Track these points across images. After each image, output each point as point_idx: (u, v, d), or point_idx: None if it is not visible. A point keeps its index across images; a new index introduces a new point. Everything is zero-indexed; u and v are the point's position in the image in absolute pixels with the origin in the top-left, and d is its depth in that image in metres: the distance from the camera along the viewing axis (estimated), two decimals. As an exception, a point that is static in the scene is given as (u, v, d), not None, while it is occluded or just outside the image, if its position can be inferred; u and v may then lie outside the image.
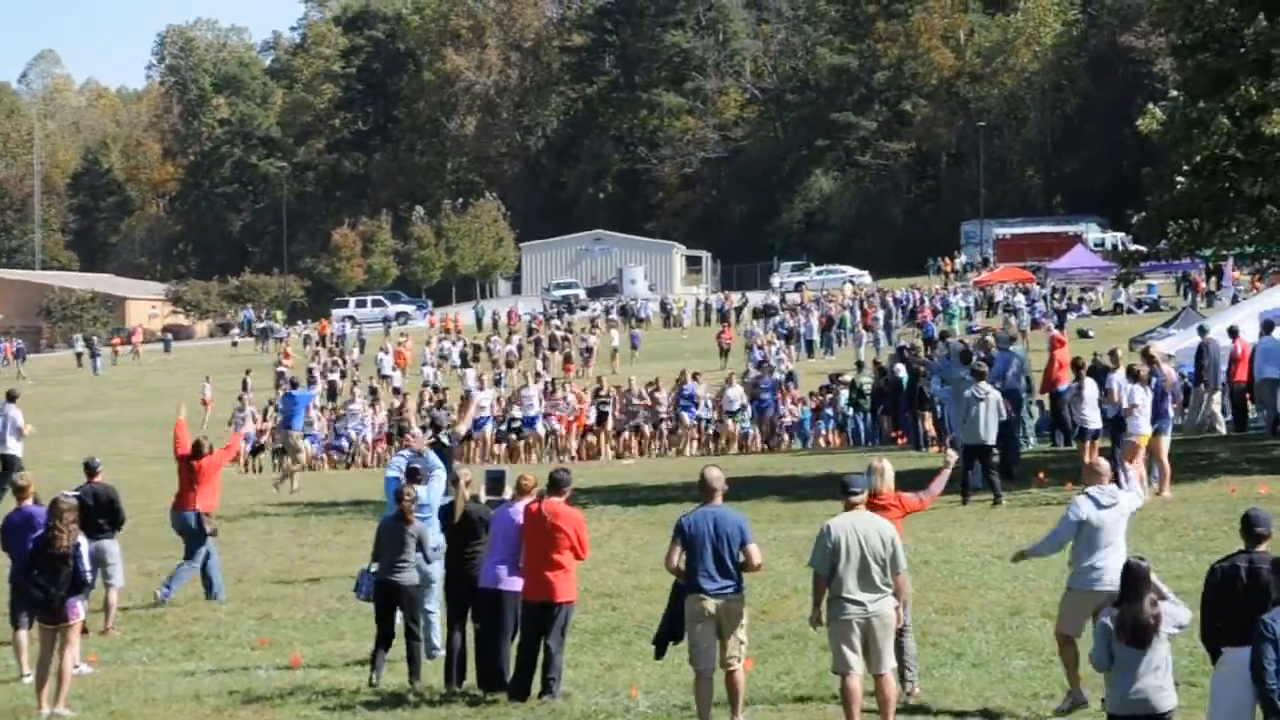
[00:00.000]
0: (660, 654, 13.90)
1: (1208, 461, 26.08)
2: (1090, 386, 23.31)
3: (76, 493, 17.16)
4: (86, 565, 14.55)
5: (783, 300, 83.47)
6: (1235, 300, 54.10)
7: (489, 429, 39.60)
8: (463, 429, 23.09)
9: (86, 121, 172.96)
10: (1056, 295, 71.63)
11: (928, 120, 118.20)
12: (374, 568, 15.28)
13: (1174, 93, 28.75)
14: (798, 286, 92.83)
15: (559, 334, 69.78)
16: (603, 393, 41.00)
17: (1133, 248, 34.14)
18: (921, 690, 13.36)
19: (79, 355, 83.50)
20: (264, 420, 45.64)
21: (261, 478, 38.28)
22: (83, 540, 14.53)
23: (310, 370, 65.00)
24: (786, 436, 40.26)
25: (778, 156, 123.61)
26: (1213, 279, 66.85)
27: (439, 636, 15.63)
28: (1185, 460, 24.86)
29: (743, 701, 12.64)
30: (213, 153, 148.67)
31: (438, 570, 15.44)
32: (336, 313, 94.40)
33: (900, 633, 13.25)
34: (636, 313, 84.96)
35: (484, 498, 15.23)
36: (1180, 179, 27.43)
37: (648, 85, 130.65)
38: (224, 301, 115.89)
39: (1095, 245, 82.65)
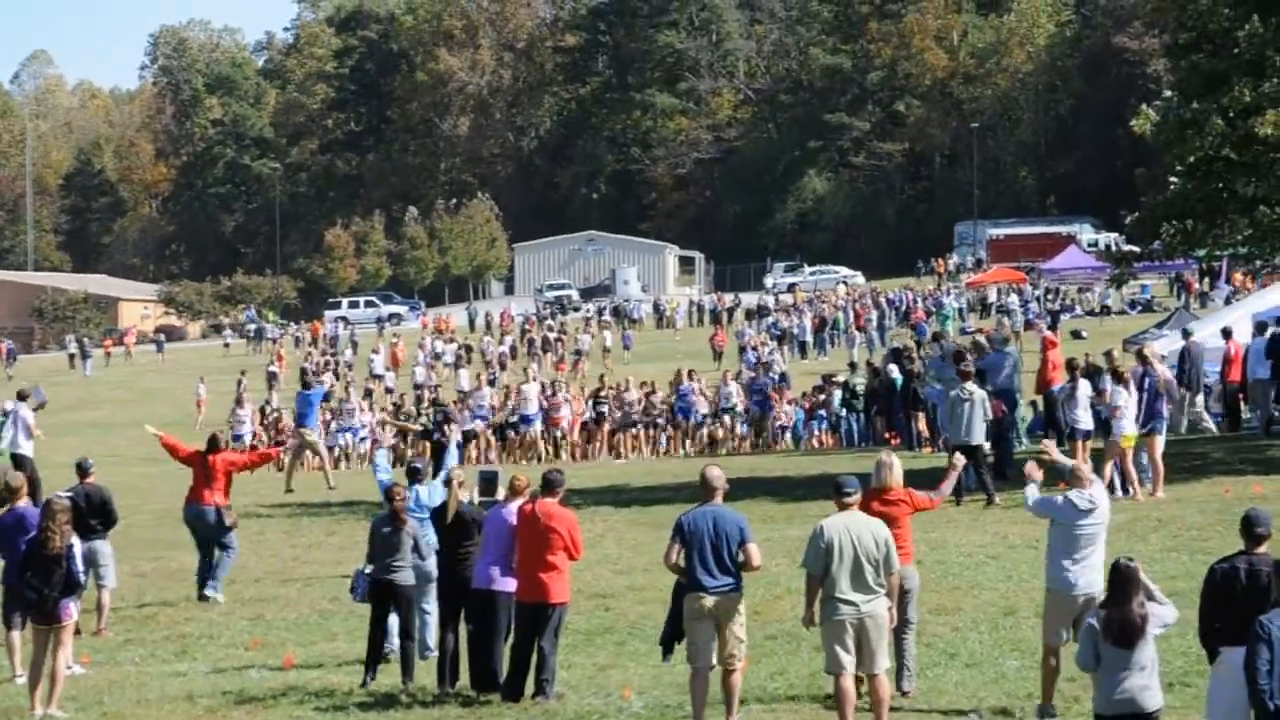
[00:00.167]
0: (667, 655, 13.92)
1: (1201, 462, 26.09)
2: (1083, 387, 23.34)
3: (69, 494, 17.13)
4: (80, 566, 14.53)
5: (776, 301, 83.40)
6: (1229, 301, 54.15)
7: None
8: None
9: (79, 122, 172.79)
10: (1050, 296, 71.63)
11: (921, 121, 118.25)
12: (369, 569, 15.26)
13: (1167, 93, 28.75)
14: (791, 287, 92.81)
15: (551, 335, 69.77)
16: (600, 393, 40.97)
17: (1126, 248, 34.15)
18: (916, 690, 13.36)
19: (71, 356, 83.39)
20: (261, 421, 45.60)
21: (258, 477, 38.16)
22: (76, 541, 14.51)
23: (303, 371, 64.97)
24: (783, 436, 40.19)
25: (771, 157, 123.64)
26: (1206, 280, 66.93)
27: (432, 637, 15.61)
28: (1179, 461, 24.87)
29: (738, 702, 12.63)
30: (205, 153, 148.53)
31: (434, 567, 15.43)
32: (329, 314, 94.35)
33: (903, 629, 13.27)
34: (629, 314, 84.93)
35: (477, 498, 15.22)
36: (1174, 180, 27.43)
37: (641, 86, 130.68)
38: (216, 302, 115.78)
39: (1089, 246, 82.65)
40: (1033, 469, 13.55)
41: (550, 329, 73.60)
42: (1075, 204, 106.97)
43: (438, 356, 64.72)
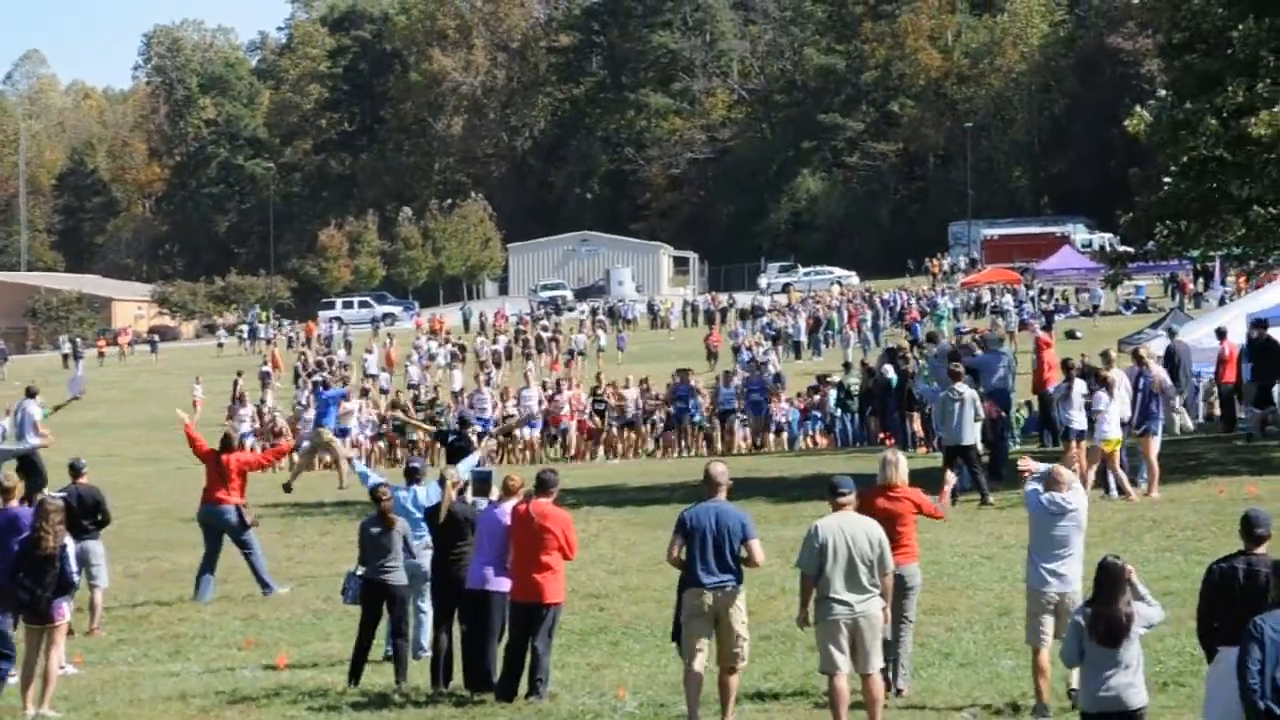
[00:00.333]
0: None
1: (1196, 462, 26.10)
2: (1078, 387, 23.34)
3: (62, 494, 17.10)
4: (73, 566, 14.50)
5: (771, 302, 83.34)
6: (1223, 301, 54.18)
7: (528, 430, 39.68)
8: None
9: (72, 122, 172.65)
10: (1044, 296, 71.67)
11: (915, 121, 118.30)
12: (360, 570, 15.24)
13: (1161, 93, 28.77)
14: (785, 288, 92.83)
15: (546, 335, 69.76)
16: (599, 392, 40.90)
17: (1120, 248, 34.17)
18: (911, 689, 13.35)
19: (65, 357, 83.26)
20: (261, 421, 45.52)
21: (251, 478, 38.10)
22: (69, 541, 14.48)
23: (295, 371, 64.99)
24: (779, 435, 40.13)
25: (765, 157, 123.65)
26: (1200, 280, 66.96)
27: (426, 637, 15.59)
28: (1173, 461, 24.89)
29: (734, 702, 12.61)
30: (199, 153, 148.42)
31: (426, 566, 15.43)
32: (324, 314, 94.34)
33: (901, 626, 13.27)
34: (624, 314, 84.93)
35: (470, 498, 15.20)
36: (1167, 180, 27.44)
37: (635, 86, 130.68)
38: (210, 303, 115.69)
39: (1083, 246, 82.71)
40: (1029, 463, 13.56)
41: (545, 329, 73.59)
42: (1069, 204, 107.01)
43: (431, 357, 64.67)
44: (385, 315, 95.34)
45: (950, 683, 13.75)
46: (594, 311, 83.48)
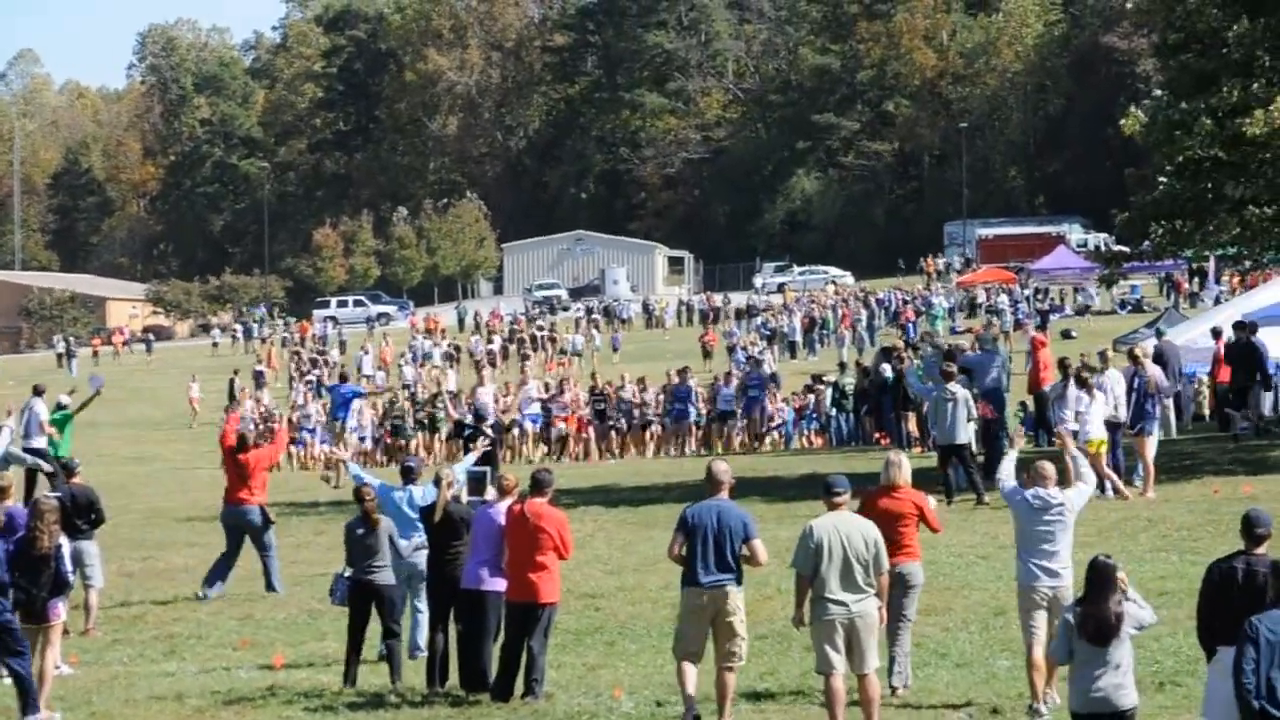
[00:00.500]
0: None
1: (1191, 462, 26.13)
2: (1074, 388, 23.32)
3: (57, 494, 17.07)
4: (69, 566, 14.48)
5: (765, 302, 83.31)
6: (1218, 301, 54.20)
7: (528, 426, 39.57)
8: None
9: (66, 121, 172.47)
10: (1039, 296, 71.71)
11: (910, 121, 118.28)
12: (348, 572, 15.23)
13: (1157, 93, 28.78)
14: (780, 287, 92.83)
15: (541, 335, 69.76)
16: (598, 391, 40.79)
17: (1116, 248, 34.16)
18: (908, 688, 13.34)
19: (59, 356, 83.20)
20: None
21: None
22: (64, 541, 14.46)
23: (289, 371, 64.97)
24: (776, 435, 40.10)
25: (760, 157, 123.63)
26: (1195, 280, 67.00)
27: (423, 636, 15.58)
28: (1169, 461, 24.91)
29: (731, 702, 12.60)
30: (194, 153, 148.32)
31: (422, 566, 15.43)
32: (318, 313, 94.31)
33: (900, 624, 13.28)
34: (619, 314, 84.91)
35: (465, 498, 15.19)
36: (1163, 180, 27.45)
37: (630, 85, 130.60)
38: (205, 302, 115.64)
39: (1078, 246, 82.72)
40: (1016, 437, 13.61)
41: (540, 329, 73.59)
42: (1064, 204, 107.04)
43: (426, 356, 64.67)
44: (380, 315, 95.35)
45: (946, 683, 13.75)
46: (589, 311, 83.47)
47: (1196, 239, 28.18)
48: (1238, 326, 28.26)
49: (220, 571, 20.45)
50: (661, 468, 34.11)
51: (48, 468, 25.53)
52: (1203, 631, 10.38)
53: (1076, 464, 13.56)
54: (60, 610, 14.45)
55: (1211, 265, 59.97)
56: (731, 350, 57.85)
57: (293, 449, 41.47)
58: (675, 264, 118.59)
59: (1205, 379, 34.17)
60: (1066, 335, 55.90)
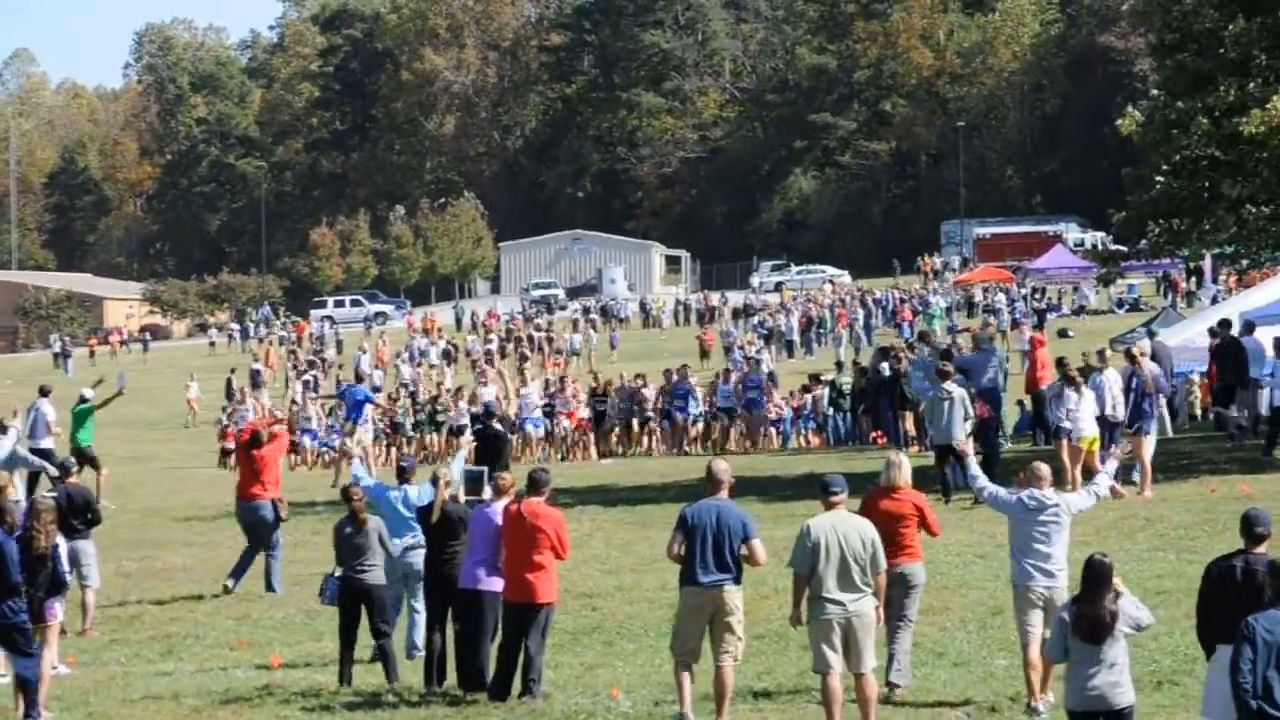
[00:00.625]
0: None
1: (1188, 461, 26.13)
2: (1064, 386, 23.36)
3: (53, 494, 17.05)
4: (65, 566, 14.46)
5: (761, 301, 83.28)
6: (1215, 300, 54.21)
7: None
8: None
9: (62, 120, 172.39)
10: (1036, 295, 71.73)
11: (907, 120, 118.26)
12: (338, 572, 15.22)
13: (1153, 93, 28.78)
14: (777, 286, 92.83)
15: (538, 334, 69.76)
16: (599, 392, 40.72)
17: (1113, 247, 34.17)
18: (906, 686, 13.34)
19: (56, 355, 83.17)
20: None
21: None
22: (61, 541, 14.44)
23: (285, 371, 64.97)
24: (774, 433, 40.07)
25: (757, 156, 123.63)
26: (1192, 279, 67.02)
27: (420, 636, 15.57)
28: (1166, 460, 24.90)
29: (729, 701, 12.59)
30: (190, 152, 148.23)
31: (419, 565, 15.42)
32: (315, 313, 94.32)
33: (901, 623, 13.29)
34: (616, 313, 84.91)
35: (463, 497, 15.18)
36: (1160, 179, 27.45)
37: (627, 85, 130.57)
38: (202, 301, 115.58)
39: (1075, 245, 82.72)
40: (963, 444, 13.69)
41: (537, 328, 73.59)
42: (1061, 203, 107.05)
43: (423, 355, 64.67)
44: (377, 314, 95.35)
45: (944, 682, 13.75)
46: (586, 310, 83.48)
47: (1194, 238, 28.19)
48: (1222, 324, 28.33)
49: (246, 563, 20.51)
50: (659, 467, 34.09)
51: (54, 471, 25.57)
52: (1202, 630, 10.38)
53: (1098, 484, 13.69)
54: (57, 610, 14.44)
55: (1208, 264, 60.00)
56: (728, 350, 57.83)
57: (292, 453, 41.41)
58: (672, 263, 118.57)
59: (1196, 378, 34.21)
60: (1063, 334, 55.93)
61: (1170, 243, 28.22)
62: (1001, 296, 69.59)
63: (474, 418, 26.69)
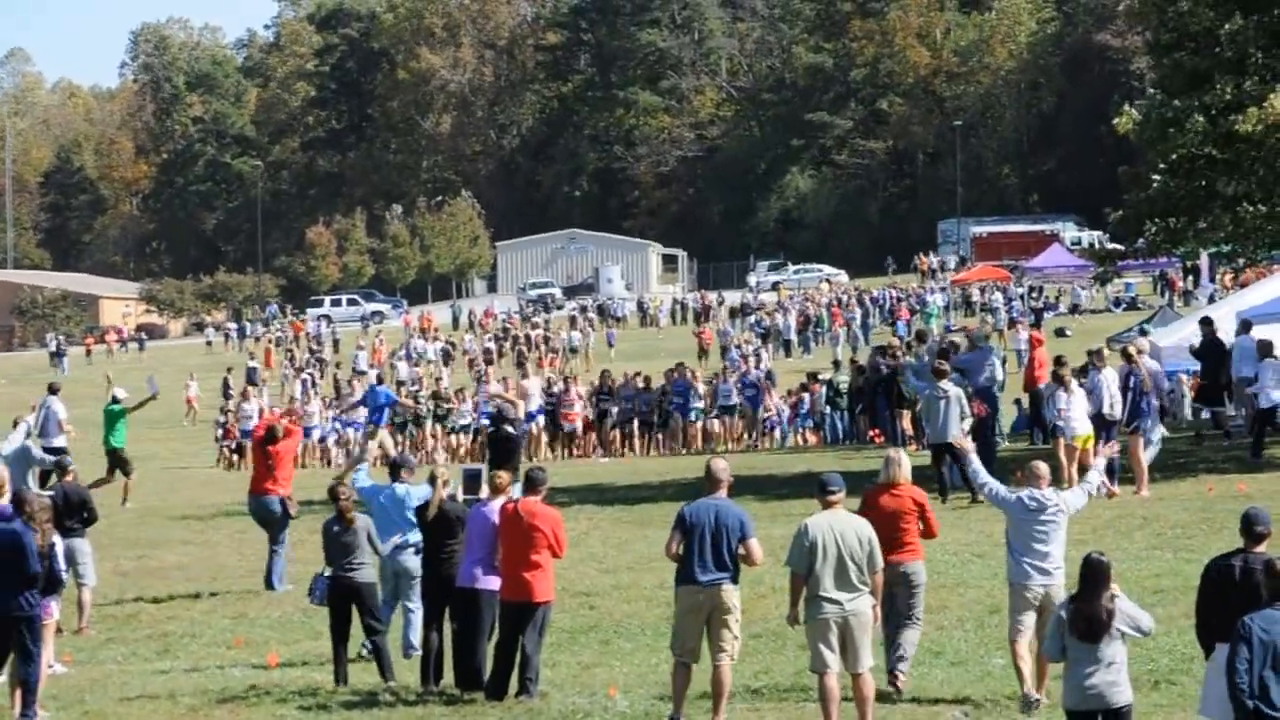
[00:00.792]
0: None
1: (1185, 460, 26.12)
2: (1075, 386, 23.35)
3: (50, 493, 17.03)
4: (62, 565, 14.44)
5: (757, 300, 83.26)
6: (1212, 299, 54.20)
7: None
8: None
9: (58, 120, 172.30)
10: (1033, 294, 71.80)
11: (904, 119, 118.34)
12: (327, 571, 15.21)
13: (1150, 91, 28.79)
14: (775, 285, 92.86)
15: (535, 333, 69.75)
16: (604, 390, 40.63)
17: (1110, 246, 34.17)
18: (906, 683, 13.33)
19: (52, 355, 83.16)
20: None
21: (242, 475, 38.07)
22: (57, 540, 14.42)
23: (283, 369, 64.96)
24: (772, 430, 40.04)
25: (754, 155, 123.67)
26: (1189, 278, 67.04)
27: (416, 635, 15.56)
28: (1163, 459, 24.87)
29: (726, 700, 12.58)
30: (186, 151, 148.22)
31: (415, 565, 15.39)
32: (312, 311, 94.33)
33: (908, 621, 13.29)
34: (613, 312, 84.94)
35: (460, 496, 15.16)
36: (1156, 177, 27.44)
37: (623, 84, 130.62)
38: (198, 300, 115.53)
39: (1072, 244, 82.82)
40: (961, 441, 13.73)
41: (534, 327, 73.59)
42: (1058, 202, 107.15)
43: (420, 354, 64.69)
44: (374, 313, 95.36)
45: (941, 681, 13.74)
46: (583, 309, 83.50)
47: (1190, 236, 28.19)
48: (1203, 323, 28.35)
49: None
50: (656, 466, 34.08)
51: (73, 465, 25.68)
52: (1201, 629, 10.38)
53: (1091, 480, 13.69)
54: (53, 609, 14.42)
55: (1205, 263, 60.02)
56: (725, 350, 57.85)
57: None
58: (669, 262, 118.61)
59: (1185, 377, 34.21)
60: (1060, 333, 55.94)
61: (1167, 241, 28.21)
62: (999, 295, 69.61)
63: (491, 419, 26.65)
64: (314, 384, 56.41)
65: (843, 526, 12.29)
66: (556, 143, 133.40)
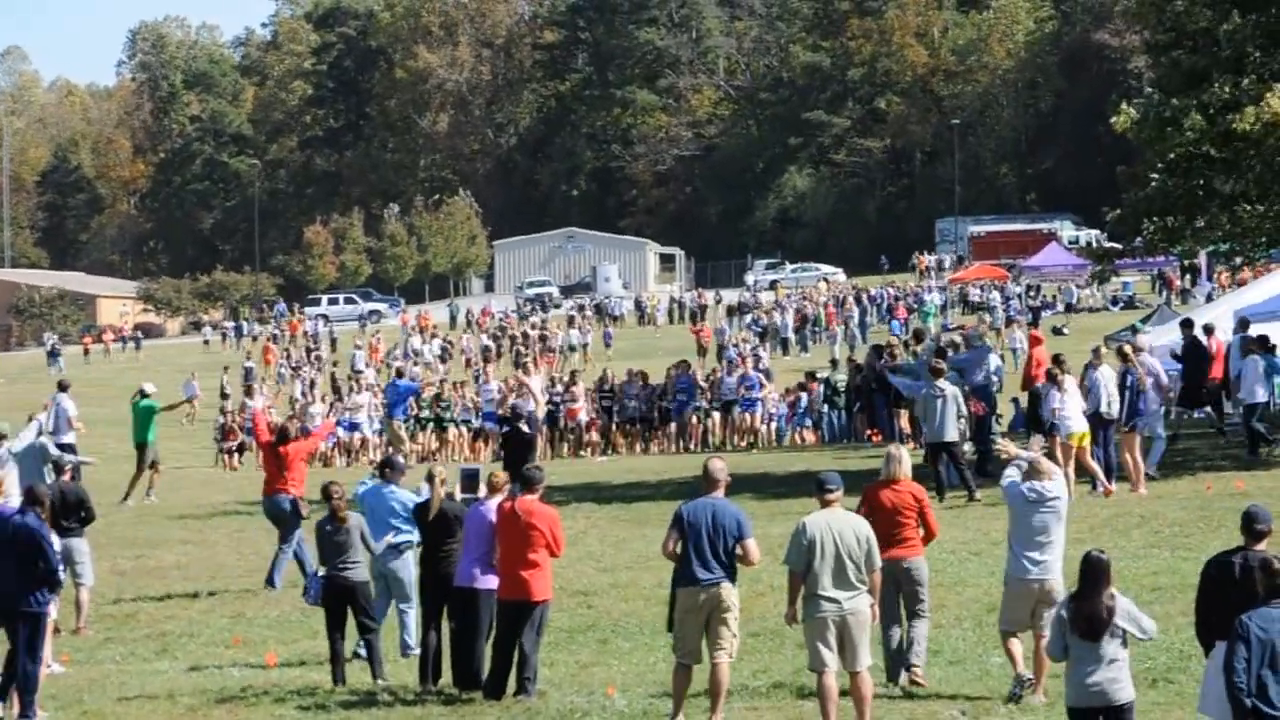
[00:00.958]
0: None
1: (1183, 458, 26.12)
2: (1068, 384, 23.34)
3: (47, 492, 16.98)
4: (60, 564, 14.44)
5: (754, 299, 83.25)
6: (1210, 298, 54.24)
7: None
8: None
9: (55, 119, 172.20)
10: (1031, 293, 71.82)
11: (901, 117, 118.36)
12: (321, 571, 15.21)
13: (1148, 90, 28.79)
14: (772, 284, 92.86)
15: (532, 332, 69.75)
16: (606, 387, 40.59)
17: (1108, 245, 34.17)
18: (922, 674, 13.36)
19: (49, 354, 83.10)
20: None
21: (241, 476, 38.09)
22: (55, 539, 14.41)
23: (279, 368, 64.94)
24: (770, 427, 40.01)
25: (752, 154, 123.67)
26: (1187, 276, 67.08)
27: (412, 635, 15.56)
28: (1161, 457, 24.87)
29: (724, 699, 12.58)
30: (183, 150, 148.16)
31: (411, 566, 15.39)
32: (310, 310, 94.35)
33: (916, 619, 13.30)
34: (611, 310, 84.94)
35: (459, 495, 15.16)
36: (1154, 176, 27.47)
37: (621, 82, 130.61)
38: (195, 299, 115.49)
39: (1070, 243, 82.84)
40: (1008, 445, 13.72)
41: (533, 326, 73.60)
42: (1056, 201, 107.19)
43: (417, 353, 64.69)
44: (371, 312, 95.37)
45: (939, 679, 13.73)
46: (580, 308, 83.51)
47: (1188, 235, 28.20)
48: (1184, 325, 28.40)
49: (302, 564, 20.49)
50: (654, 465, 34.07)
51: (91, 461, 25.89)
52: (1200, 627, 10.38)
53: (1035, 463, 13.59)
54: (51, 609, 14.40)
55: (1203, 261, 60.05)
56: (722, 349, 57.82)
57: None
58: (667, 261, 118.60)
59: (1172, 376, 34.19)
60: (1058, 332, 55.95)
61: (1165, 240, 28.22)
62: (996, 294, 69.61)
63: (501, 421, 26.65)
64: (313, 384, 56.38)
65: (841, 525, 12.30)
66: (554, 141, 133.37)
